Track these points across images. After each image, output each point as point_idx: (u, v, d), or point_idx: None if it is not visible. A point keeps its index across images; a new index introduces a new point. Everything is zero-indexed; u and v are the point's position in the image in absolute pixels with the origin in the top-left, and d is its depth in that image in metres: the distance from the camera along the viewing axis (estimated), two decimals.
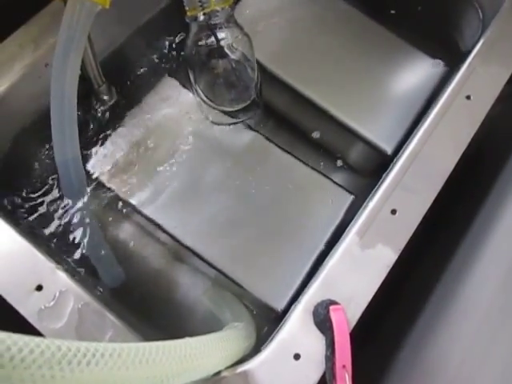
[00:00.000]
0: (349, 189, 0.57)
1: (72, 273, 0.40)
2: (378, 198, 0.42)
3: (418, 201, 0.42)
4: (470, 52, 0.54)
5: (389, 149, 0.59)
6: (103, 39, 0.53)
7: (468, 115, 0.47)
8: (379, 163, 0.59)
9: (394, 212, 0.41)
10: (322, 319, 0.36)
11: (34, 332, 0.36)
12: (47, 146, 0.52)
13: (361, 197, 0.56)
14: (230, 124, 0.57)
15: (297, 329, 0.37)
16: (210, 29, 0.49)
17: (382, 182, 0.46)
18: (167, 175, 0.55)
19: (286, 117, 0.61)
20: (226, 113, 0.56)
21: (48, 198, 0.52)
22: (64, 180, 0.48)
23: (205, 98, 0.56)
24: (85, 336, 0.36)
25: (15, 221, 0.44)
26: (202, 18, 0.48)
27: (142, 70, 0.58)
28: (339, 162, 0.59)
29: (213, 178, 0.56)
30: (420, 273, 0.54)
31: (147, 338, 0.37)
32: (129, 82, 0.58)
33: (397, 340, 0.46)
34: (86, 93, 0.54)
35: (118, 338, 0.36)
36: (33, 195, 0.51)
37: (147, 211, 0.53)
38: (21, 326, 0.36)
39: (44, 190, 0.52)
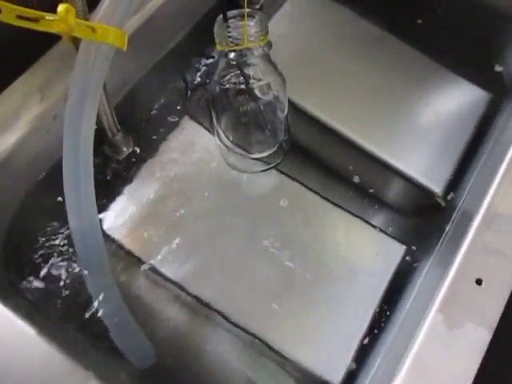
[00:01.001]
0: (394, 235, 0.51)
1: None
2: (458, 265, 0.36)
3: (507, 267, 0.36)
4: None
5: (437, 188, 0.53)
6: (116, 81, 0.47)
7: None
8: (426, 204, 0.53)
9: (479, 282, 0.35)
10: None
11: None
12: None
13: (411, 244, 0.50)
14: (255, 172, 0.50)
15: None
16: (240, 69, 0.43)
17: (452, 240, 0.40)
18: (191, 230, 0.48)
19: (315, 155, 0.55)
20: (250, 158, 0.50)
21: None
22: (80, 249, 0.41)
23: (227, 142, 0.49)
24: None
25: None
26: (232, 55, 0.42)
27: (158, 112, 0.52)
28: (378, 204, 0.53)
29: (239, 232, 0.49)
30: None
31: None
32: (145, 126, 0.52)
33: None
34: (99, 143, 0.48)
35: None
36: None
37: (171, 273, 0.47)
38: None
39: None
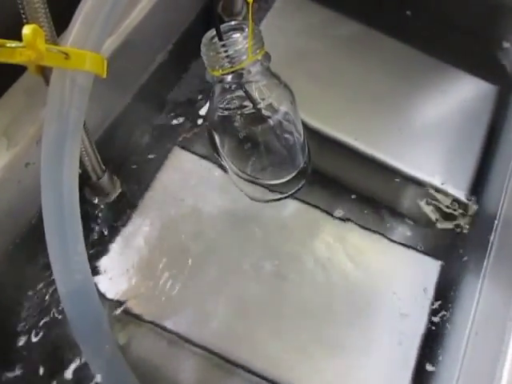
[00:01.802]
0: (426, 250, 0.45)
1: None
2: None
3: None
4: None
5: (461, 195, 0.48)
6: (94, 114, 0.41)
7: None
8: (451, 212, 0.48)
9: None
10: None
11: None
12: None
13: (446, 258, 0.44)
14: (272, 201, 0.44)
15: None
16: (245, 91, 0.37)
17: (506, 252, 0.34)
18: (198, 277, 0.42)
19: (332, 176, 0.49)
20: (265, 186, 0.44)
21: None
22: (74, 317, 0.34)
23: (239, 172, 0.43)
24: None
25: None
26: (230, 78, 0.36)
27: (145, 145, 0.46)
28: (401, 219, 0.47)
29: (256, 273, 0.43)
30: None
31: None
32: (131, 163, 0.45)
33: None
34: (80, 188, 0.41)
35: None
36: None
37: (182, 329, 0.40)
38: None
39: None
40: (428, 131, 0.52)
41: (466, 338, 0.35)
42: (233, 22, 0.38)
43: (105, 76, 0.31)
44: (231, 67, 0.35)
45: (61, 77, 0.28)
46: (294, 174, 0.43)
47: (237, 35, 0.36)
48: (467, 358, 0.34)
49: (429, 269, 0.43)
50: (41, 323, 0.38)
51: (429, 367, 0.38)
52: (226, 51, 0.35)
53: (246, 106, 0.38)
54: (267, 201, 0.44)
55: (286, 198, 0.44)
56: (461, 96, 0.55)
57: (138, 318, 0.40)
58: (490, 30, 0.58)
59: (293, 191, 0.44)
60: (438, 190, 0.48)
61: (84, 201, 0.43)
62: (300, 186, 0.44)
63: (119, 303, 0.40)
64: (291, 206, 0.45)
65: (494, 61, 0.58)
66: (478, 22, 0.58)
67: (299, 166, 0.43)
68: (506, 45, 0.58)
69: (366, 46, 0.56)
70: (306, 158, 0.45)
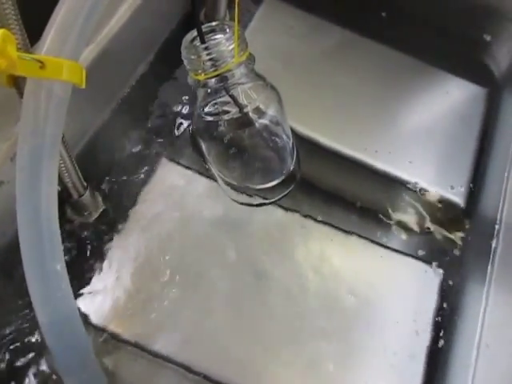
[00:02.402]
0: (424, 258, 0.44)
1: None
2: None
3: None
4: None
5: (457, 200, 0.47)
6: (72, 129, 0.38)
7: None
8: (448, 217, 0.47)
9: None
10: None
11: None
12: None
13: (446, 266, 0.43)
14: (261, 205, 0.42)
15: None
16: (231, 95, 0.35)
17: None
18: (184, 297, 0.39)
19: (322, 182, 0.47)
20: (254, 191, 0.42)
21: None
22: (58, 350, 0.31)
23: (226, 178, 0.41)
24: None
25: None
26: (214, 82, 0.34)
27: (129, 158, 0.44)
28: (399, 227, 0.45)
29: (248, 287, 0.41)
30: None
31: None
32: (114, 179, 0.43)
33: None
34: (61, 207, 0.39)
35: None
36: None
37: (173, 354, 0.38)
38: None
39: None
40: (419, 136, 0.51)
41: (475, 352, 0.33)
42: (214, 23, 0.36)
43: (84, 86, 0.28)
44: (215, 70, 0.34)
45: (36, 87, 0.26)
46: (283, 178, 0.41)
47: (219, 36, 0.34)
48: (479, 373, 0.32)
49: (430, 277, 0.42)
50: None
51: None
52: (208, 54, 0.33)
53: (231, 111, 0.36)
54: (256, 205, 0.42)
55: (274, 202, 0.42)
56: (450, 99, 0.54)
57: (123, 341, 0.38)
58: (478, 33, 0.57)
59: (282, 195, 0.42)
60: (432, 195, 0.47)
61: (65, 220, 0.40)
62: (289, 190, 0.42)
63: (104, 327, 0.38)
64: (280, 213, 0.43)
65: (481, 64, 0.57)
66: (465, 25, 0.57)
67: (288, 170, 0.41)
68: (494, 48, 0.57)
69: (353, 52, 0.55)
70: (295, 161, 0.43)
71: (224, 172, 0.41)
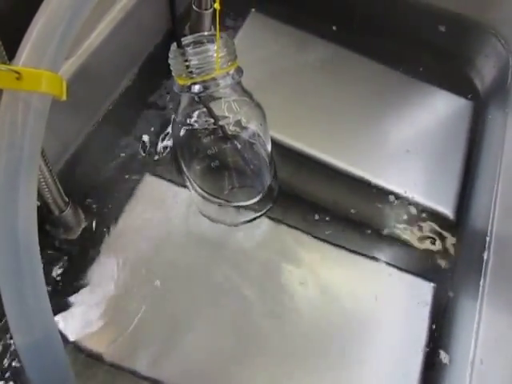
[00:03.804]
0: (414, 272, 0.43)
1: None
2: None
3: None
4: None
5: (449, 212, 0.46)
6: (53, 145, 0.37)
7: None
8: (437, 229, 0.46)
9: None
10: None
11: None
12: None
13: (437, 280, 0.42)
14: (242, 223, 0.42)
15: None
16: (205, 104, 0.35)
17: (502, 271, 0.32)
18: (167, 313, 0.38)
19: (308, 195, 0.47)
20: (233, 207, 0.41)
21: None
22: (34, 373, 0.30)
23: (204, 194, 0.40)
24: None
25: None
26: (196, 88, 0.34)
27: (111, 174, 0.43)
28: (384, 238, 0.45)
29: (232, 306, 0.40)
30: None
31: None
32: (97, 195, 0.42)
33: None
34: (41, 224, 0.38)
35: None
36: None
37: (156, 374, 0.36)
38: None
39: None
40: (407, 148, 0.51)
41: (469, 368, 0.33)
42: (206, 33, 0.36)
43: (65, 98, 0.28)
44: (199, 76, 0.33)
45: (12, 100, 0.25)
46: (261, 196, 0.41)
47: (207, 46, 0.34)
48: None
49: (421, 291, 0.41)
50: None
51: None
52: (191, 60, 0.33)
53: (211, 122, 0.36)
54: (234, 224, 0.41)
55: (253, 220, 0.41)
56: (437, 112, 0.54)
57: (103, 361, 0.36)
58: (463, 47, 0.58)
59: (261, 213, 0.42)
60: (420, 207, 0.46)
61: (45, 237, 0.39)
62: (268, 207, 0.42)
63: (83, 347, 0.36)
64: (264, 226, 0.43)
65: (467, 78, 0.58)
66: (451, 39, 0.57)
67: (266, 187, 0.41)
68: (479, 62, 0.57)
69: (338, 66, 0.55)
70: (273, 178, 0.42)
71: (201, 186, 0.40)
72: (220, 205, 0.41)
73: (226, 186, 0.41)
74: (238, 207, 0.42)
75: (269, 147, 0.40)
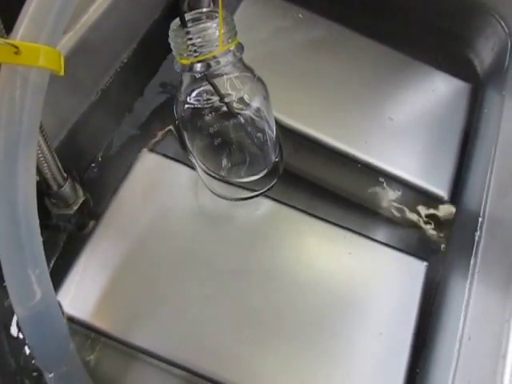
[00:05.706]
0: (409, 251, 0.44)
1: None
2: None
3: None
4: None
5: (444, 193, 0.47)
6: (51, 120, 0.37)
7: None
8: (432, 211, 0.47)
9: None
10: None
11: None
12: None
13: (430, 259, 0.43)
14: (246, 198, 0.42)
15: None
16: (211, 83, 0.34)
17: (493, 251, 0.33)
18: (173, 290, 0.39)
19: (309, 175, 0.47)
20: (236, 185, 0.41)
21: None
22: (37, 344, 0.31)
23: (208, 171, 0.40)
24: None
25: None
26: (198, 67, 0.34)
27: (110, 149, 0.43)
28: (380, 218, 0.46)
29: (232, 282, 0.40)
30: None
31: None
32: (95, 170, 0.42)
33: None
34: (40, 199, 0.38)
35: None
36: None
37: (159, 349, 0.37)
38: None
39: None
40: (404, 129, 0.51)
41: (457, 344, 0.33)
42: (205, 9, 0.35)
43: (62, 73, 0.28)
44: (200, 55, 0.33)
45: (10, 74, 0.25)
46: (265, 172, 0.41)
47: (208, 23, 0.34)
48: (461, 365, 0.32)
49: (414, 270, 0.42)
50: None
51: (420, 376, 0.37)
52: (191, 38, 0.33)
53: (215, 100, 0.36)
54: (238, 199, 0.41)
55: (258, 196, 0.42)
56: (435, 93, 0.54)
57: (105, 335, 0.37)
58: (463, 29, 0.57)
59: (265, 189, 0.42)
60: (416, 188, 0.47)
61: (44, 212, 0.39)
62: (272, 184, 0.42)
63: (85, 322, 0.37)
64: (264, 205, 0.43)
65: (466, 59, 0.58)
66: (451, 20, 0.57)
67: (271, 164, 0.41)
68: (479, 44, 0.57)
69: (339, 45, 0.55)
70: (278, 155, 0.42)
71: (206, 163, 0.40)
72: (223, 181, 0.41)
73: (230, 163, 0.41)
74: (241, 183, 0.42)
75: (273, 123, 0.40)
